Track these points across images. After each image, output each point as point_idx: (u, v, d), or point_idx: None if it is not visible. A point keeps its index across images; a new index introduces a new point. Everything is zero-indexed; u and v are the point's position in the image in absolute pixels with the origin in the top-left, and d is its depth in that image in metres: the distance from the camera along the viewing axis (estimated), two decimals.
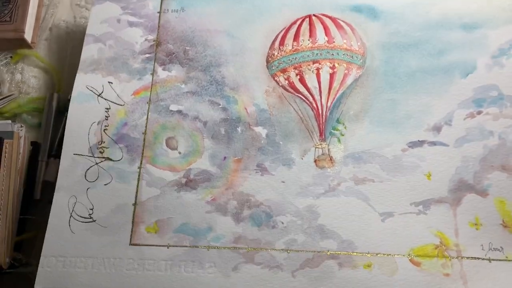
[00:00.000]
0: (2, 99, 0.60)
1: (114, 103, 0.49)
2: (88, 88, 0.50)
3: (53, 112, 0.57)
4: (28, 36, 0.61)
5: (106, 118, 0.49)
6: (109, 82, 0.50)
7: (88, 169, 0.47)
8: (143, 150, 0.47)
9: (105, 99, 0.50)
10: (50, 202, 0.51)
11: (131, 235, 0.44)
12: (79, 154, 0.47)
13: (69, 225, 0.44)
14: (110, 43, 0.52)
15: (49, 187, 0.53)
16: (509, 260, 0.42)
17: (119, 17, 0.53)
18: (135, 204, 0.45)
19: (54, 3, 0.66)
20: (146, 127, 0.48)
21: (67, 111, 0.53)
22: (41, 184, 0.54)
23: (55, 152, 0.54)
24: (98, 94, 0.50)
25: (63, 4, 0.67)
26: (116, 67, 0.51)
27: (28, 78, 0.62)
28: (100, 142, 0.48)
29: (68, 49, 0.62)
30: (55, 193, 0.46)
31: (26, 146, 0.55)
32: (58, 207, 0.45)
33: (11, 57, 0.63)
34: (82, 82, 0.50)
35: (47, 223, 0.47)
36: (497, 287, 0.41)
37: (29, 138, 0.56)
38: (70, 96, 0.54)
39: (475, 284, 0.41)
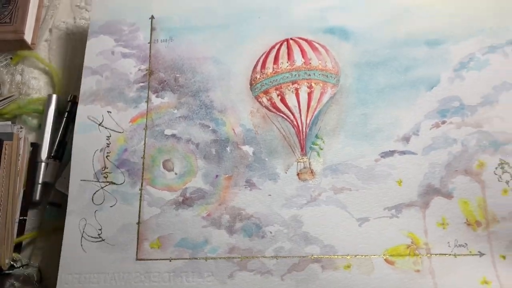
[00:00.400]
0: (2, 100, 0.60)
1: (114, 131, 0.54)
2: (89, 119, 0.54)
3: (53, 114, 0.59)
4: (28, 37, 0.62)
5: (108, 145, 0.53)
6: (108, 111, 0.55)
7: (94, 193, 0.52)
8: (142, 173, 0.52)
9: (106, 128, 0.54)
10: (50, 203, 0.55)
11: (137, 251, 0.49)
12: (85, 180, 0.52)
13: (81, 245, 0.50)
14: (106, 74, 0.56)
15: (49, 189, 0.57)
16: (472, 255, 0.47)
17: (113, 49, 0.57)
18: (138, 223, 0.50)
19: (54, 4, 0.67)
20: (144, 151, 0.53)
21: (68, 112, 0.58)
22: (40, 185, 0.56)
23: (55, 153, 0.57)
24: (98, 123, 0.54)
25: (63, 5, 0.67)
26: (113, 97, 0.55)
27: (28, 79, 0.62)
28: (103, 168, 0.52)
29: (68, 50, 0.64)
30: (66, 216, 0.51)
31: (26, 147, 0.57)
32: (70, 229, 0.50)
33: (11, 58, 0.63)
34: (84, 113, 0.55)
35: (46, 224, 0.53)
36: (462, 279, 0.46)
37: (29, 139, 0.58)
38: (70, 97, 0.58)
39: (442, 277, 0.46)
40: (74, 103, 0.59)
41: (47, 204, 0.56)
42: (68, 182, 0.53)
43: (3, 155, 0.54)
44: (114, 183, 0.52)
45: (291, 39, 0.55)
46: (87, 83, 0.56)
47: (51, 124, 0.59)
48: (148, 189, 0.52)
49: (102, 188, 0.52)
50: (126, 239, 0.50)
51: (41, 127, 0.59)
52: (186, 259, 0.49)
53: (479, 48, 0.52)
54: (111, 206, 0.51)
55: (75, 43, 0.64)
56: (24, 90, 0.62)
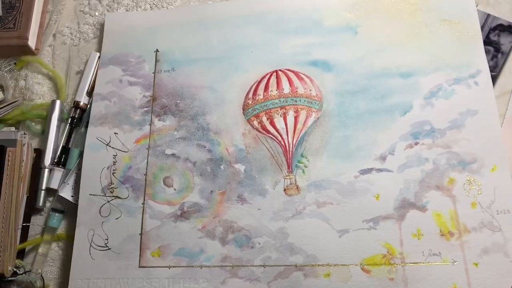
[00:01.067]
0: (6, 105, 0.61)
1: (120, 150, 0.59)
2: (98, 139, 0.60)
3: (56, 119, 0.61)
4: (31, 42, 0.63)
5: (114, 163, 0.59)
6: (115, 133, 0.60)
7: (101, 206, 0.57)
8: (145, 188, 0.57)
9: (112, 147, 0.60)
10: (53, 209, 0.58)
11: (139, 259, 0.54)
12: (93, 194, 0.57)
13: (90, 253, 0.55)
14: (114, 100, 0.62)
15: (52, 195, 0.59)
16: (445, 263, 0.51)
17: (121, 78, 0.63)
18: (141, 234, 0.55)
19: (58, 9, 0.67)
20: (146, 169, 0.58)
21: (71, 118, 0.61)
22: (44, 191, 0.59)
23: (58, 159, 0.60)
24: (106, 143, 0.60)
25: (67, 10, 0.68)
26: (120, 120, 0.61)
27: (32, 85, 0.63)
28: (110, 184, 0.58)
29: (72, 56, 0.65)
30: (76, 228, 0.56)
31: (29, 153, 0.59)
32: (79, 238, 0.56)
33: (15, 63, 0.64)
34: (93, 134, 0.60)
35: (50, 230, 0.57)
36: (433, 286, 0.50)
37: (32, 145, 0.60)
38: (74, 103, 0.61)
39: (414, 285, 0.50)
40: (77, 108, 0.62)
41: (51, 210, 0.59)
42: (72, 188, 0.58)
43: (7, 161, 0.55)
44: (119, 198, 0.57)
45: (279, 70, 0.61)
46: (97, 108, 0.62)
47: (54, 130, 0.61)
48: (150, 203, 0.57)
49: (108, 202, 0.57)
50: (130, 248, 0.55)
51: (44, 133, 0.61)
52: (184, 266, 0.54)
53: (446, 79, 0.57)
54: (116, 218, 0.56)
55: (79, 48, 0.66)
56: (27, 95, 0.63)
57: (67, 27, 0.68)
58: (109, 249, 0.55)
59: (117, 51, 0.65)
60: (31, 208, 0.59)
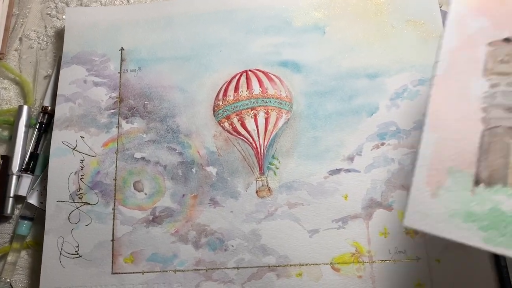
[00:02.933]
0: None
1: (87, 154, 0.59)
2: (63, 143, 0.59)
3: (24, 125, 0.60)
4: None
5: (82, 168, 0.58)
6: (81, 136, 0.59)
7: (70, 213, 0.56)
8: (115, 194, 0.57)
9: (79, 152, 0.59)
10: (22, 217, 0.57)
11: (112, 266, 0.54)
12: (62, 201, 0.57)
13: (60, 261, 0.54)
14: (79, 102, 0.61)
15: (21, 202, 0.59)
16: (410, 260, 0.54)
17: (85, 78, 0.62)
18: (112, 240, 0.55)
19: (24, 13, 0.66)
20: (116, 174, 0.58)
21: (39, 123, 0.60)
22: (12, 198, 0.58)
23: (26, 166, 0.59)
24: (72, 148, 0.59)
25: (33, 13, 0.67)
26: (86, 123, 0.60)
27: None
28: (78, 190, 0.57)
29: (39, 60, 0.64)
30: (45, 236, 0.55)
31: None
32: (48, 246, 0.55)
33: None
34: (58, 138, 0.59)
35: (19, 238, 0.56)
36: (399, 283, 0.53)
37: None
38: (42, 108, 0.60)
39: (381, 282, 0.54)
40: (46, 113, 0.61)
41: (19, 218, 0.58)
42: (40, 195, 0.58)
43: None
44: (88, 204, 0.57)
45: (249, 70, 0.61)
46: (61, 110, 0.60)
47: (22, 136, 0.60)
48: (120, 209, 0.57)
49: (77, 208, 0.57)
50: (101, 255, 0.55)
51: (12, 139, 0.61)
52: (157, 272, 0.54)
53: (411, 80, 0.59)
54: (86, 225, 0.56)
55: (46, 52, 0.65)
56: None
57: (34, 31, 0.67)
58: (80, 256, 0.55)
59: (80, 49, 0.63)
60: None
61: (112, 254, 0.55)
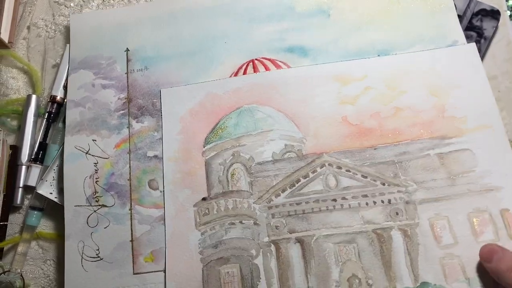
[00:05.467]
0: None
1: (100, 157, 0.60)
2: (76, 148, 0.60)
3: (33, 115, 0.61)
4: (4, 36, 0.62)
5: (96, 171, 0.59)
6: (93, 140, 0.60)
7: (88, 216, 0.57)
8: (130, 194, 0.58)
9: (92, 155, 0.60)
10: (32, 207, 0.58)
11: (133, 266, 0.55)
12: (79, 205, 0.58)
13: (82, 265, 0.55)
14: (89, 106, 0.62)
15: (30, 192, 0.60)
16: None
17: (93, 82, 0.63)
18: (132, 241, 0.56)
19: (31, 1, 0.67)
20: (130, 174, 0.59)
21: (48, 112, 0.61)
22: (21, 189, 0.59)
23: (36, 156, 0.60)
24: (85, 152, 0.60)
25: (41, 1, 0.67)
26: (97, 126, 0.61)
27: (6, 80, 0.63)
28: (94, 193, 0.58)
29: (47, 48, 0.65)
30: (65, 241, 0.56)
31: (5, 150, 0.59)
32: (70, 252, 0.56)
33: None
34: (71, 143, 0.60)
35: (29, 228, 0.57)
36: None
37: (8, 141, 0.60)
38: (50, 98, 0.61)
39: None
40: (54, 103, 0.62)
41: (29, 208, 0.59)
42: (50, 185, 0.59)
43: None
44: (105, 206, 0.58)
45: (256, 59, 0.62)
46: (72, 115, 0.62)
47: (31, 126, 0.61)
48: (137, 209, 0.57)
49: (95, 211, 0.58)
50: (122, 256, 0.56)
51: (20, 129, 0.61)
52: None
53: None
54: (105, 228, 0.57)
55: (54, 40, 0.65)
56: (2, 90, 0.63)
57: (42, 19, 0.67)
58: (101, 259, 0.56)
59: (86, 54, 0.65)
60: (9, 207, 0.59)
61: (132, 255, 0.56)
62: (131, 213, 0.57)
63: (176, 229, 0.56)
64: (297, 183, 0.54)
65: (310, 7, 0.63)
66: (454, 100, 0.56)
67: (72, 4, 0.69)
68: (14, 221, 0.60)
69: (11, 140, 0.62)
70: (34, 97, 0.63)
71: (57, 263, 0.59)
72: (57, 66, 0.65)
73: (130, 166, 0.59)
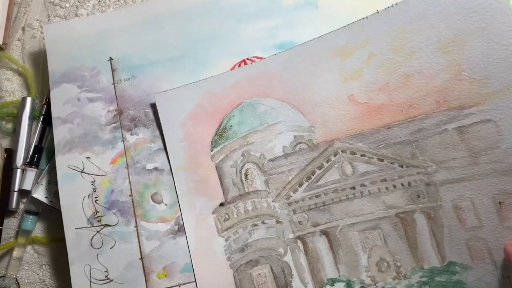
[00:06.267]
0: None
1: (97, 175, 0.65)
2: (70, 168, 0.65)
3: (28, 117, 0.66)
4: None
5: (94, 190, 0.64)
6: (87, 157, 0.65)
7: (92, 238, 0.62)
8: (134, 210, 0.63)
9: (88, 174, 0.65)
10: (27, 211, 0.64)
11: (146, 284, 0.61)
12: (80, 228, 0.63)
13: None
14: (77, 121, 0.66)
15: (26, 196, 0.65)
16: None
17: (78, 96, 0.68)
18: (141, 258, 0.61)
19: (26, 1, 0.72)
20: (130, 189, 0.64)
21: (43, 115, 0.66)
22: (16, 193, 0.64)
23: (31, 159, 0.65)
24: (80, 171, 0.65)
25: (36, 2, 0.73)
26: (89, 142, 0.66)
27: (1, 82, 0.68)
28: (95, 213, 0.63)
29: (42, 50, 0.69)
30: (70, 266, 0.61)
31: (0, 153, 0.64)
32: (77, 277, 0.61)
33: None
34: (63, 163, 0.65)
35: (24, 233, 0.63)
36: None
37: (2, 145, 0.65)
38: (46, 99, 0.66)
39: None
40: (49, 105, 0.67)
41: (24, 213, 0.64)
42: (45, 189, 0.65)
43: None
44: (109, 225, 0.63)
45: (247, 59, 0.67)
46: (60, 133, 0.66)
47: (26, 129, 0.66)
48: (143, 225, 0.63)
49: (98, 232, 0.63)
50: (133, 275, 0.61)
51: (15, 132, 0.66)
52: (194, 281, 0.61)
53: None
54: (111, 248, 0.62)
55: None
56: None
57: (37, 20, 0.73)
58: (111, 280, 0.61)
59: (67, 65, 0.69)
60: (4, 211, 0.65)
61: (144, 273, 0.61)
62: (137, 230, 0.63)
63: (199, 240, 0.62)
64: (313, 175, 0.60)
65: (297, 0, 0.69)
66: (471, 55, 0.56)
67: (67, 5, 0.74)
68: (9, 225, 0.66)
69: (6, 143, 0.67)
70: (29, 99, 0.68)
71: (53, 268, 0.64)
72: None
73: (130, 181, 0.64)
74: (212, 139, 0.65)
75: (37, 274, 0.64)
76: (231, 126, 0.65)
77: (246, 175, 0.63)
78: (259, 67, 0.65)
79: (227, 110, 0.65)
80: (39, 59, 0.71)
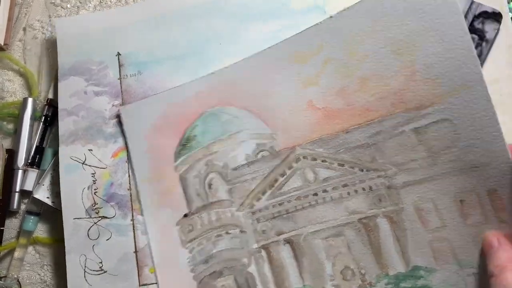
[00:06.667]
0: None
1: (98, 167, 0.70)
2: (72, 159, 0.70)
3: (29, 118, 0.70)
4: (0, 38, 0.72)
5: (94, 182, 0.69)
6: (89, 149, 0.70)
7: (89, 229, 0.68)
8: (131, 204, 0.68)
9: (89, 166, 0.70)
10: (28, 212, 0.68)
11: (139, 278, 0.66)
12: (78, 218, 0.68)
13: (86, 279, 0.66)
14: (82, 114, 0.72)
15: (27, 197, 0.69)
16: None
17: (85, 89, 0.73)
18: (136, 252, 0.66)
19: (27, 2, 0.76)
20: (130, 183, 0.69)
21: (44, 116, 0.70)
22: (18, 193, 0.68)
23: (32, 160, 0.69)
24: (82, 162, 0.70)
25: (37, 2, 0.76)
26: (92, 135, 0.71)
27: (2, 82, 0.72)
28: (93, 204, 0.68)
29: (44, 50, 0.74)
30: (66, 255, 0.67)
31: (1, 154, 0.67)
32: (72, 266, 0.67)
33: None
34: (66, 154, 0.70)
35: (25, 234, 0.68)
36: None
37: (4, 145, 0.69)
38: (47, 101, 0.71)
39: None
40: (51, 106, 0.72)
41: (25, 213, 0.69)
42: (47, 189, 0.70)
43: None
44: (106, 217, 0.68)
45: None
46: (65, 125, 0.71)
47: (27, 129, 0.70)
48: (139, 219, 0.68)
49: (95, 223, 0.68)
50: (127, 268, 0.66)
51: (17, 132, 0.70)
52: None
53: None
54: (107, 240, 0.68)
55: (51, 42, 0.74)
56: None
57: (38, 21, 0.78)
58: (105, 272, 0.67)
59: (76, 59, 0.74)
60: (5, 211, 0.69)
61: (137, 266, 0.66)
62: (133, 224, 0.68)
63: (163, 252, 0.66)
64: (276, 182, 0.63)
65: (305, 3, 0.71)
66: (423, 56, 0.58)
67: (68, 6, 0.79)
68: (11, 226, 0.70)
69: (7, 143, 0.72)
70: (30, 100, 0.72)
71: (55, 268, 0.70)
72: (53, 68, 0.75)
73: (129, 175, 0.70)
74: (176, 150, 0.69)
75: (39, 275, 0.70)
76: (195, 136, 0.68)
77: (210, 185, 0.67)
78: (220, 76, 0.69)
79: (190, 121, 0.69)
80: (41, 60, 0.76)
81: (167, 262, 0.66)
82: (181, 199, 0.67)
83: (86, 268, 0.68)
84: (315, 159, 0.62)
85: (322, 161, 0.62)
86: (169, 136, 0.69)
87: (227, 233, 0.65)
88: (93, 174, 0.71)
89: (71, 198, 0.70)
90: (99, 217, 0.69)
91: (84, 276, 0.67)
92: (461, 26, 0.56)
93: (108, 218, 0.69)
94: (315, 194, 0.62)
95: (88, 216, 0.69)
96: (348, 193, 0.61)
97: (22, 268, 0.70)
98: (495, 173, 0.55)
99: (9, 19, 0.75)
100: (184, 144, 0.69)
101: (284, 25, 0.71)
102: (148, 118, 0.70)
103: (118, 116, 0.72)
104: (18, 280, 0.68)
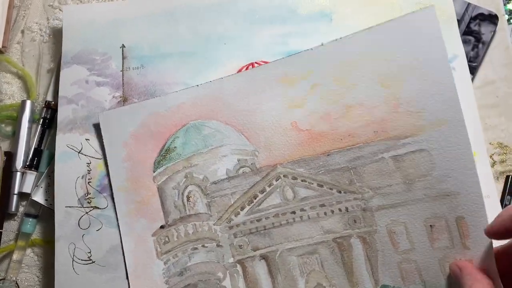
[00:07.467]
0: None
1: (93, 157, 0.73)
2: (68, 147, 0.73)
3: (27, 120, 0.72)
4: None
5: (89, 172, 0.72)
6: (86, 139, 0.73)
7: (80, 218, 0.71)
8: None
9: (85, 155, 0.73)
10: (27, 214, 0.70)
11: (126, 270, 0.69)
12: (70, 206, 0.71)
13: (73, 268, 0.69)
14: (82, 103, 0.74)
15: (25, 199, 0.71)
16: None
17: (87, 78, 0.76)
18: None
19: (25, 4, 0.77)
20: None
21: (43, 118, 0.72)
22: (16, 196, 0.70)
23: (30, 162, 0.71)
24: (78, 151, 0.73)
25: (35, 5, 0.78)
26: (90, 125, 0.74)
27: (0, 85, 0.74)
28: (86, 194, 0.71)
29: (42, 53, 0.76)
30: (56, 242, 0.69)
31: (0, 156, 0.69)
32: (60, 254, 0.70)
33: None
34: (63, 141, 0.73)
35: (24, 236, 0.70)
36: None
37: (2, 148, 0.71)
38: (45, 103, 0.73)
39: None
40: (49, 108, 0.74)
41: (24, 215, 0.71)
42: (45, 192, 0.73)
43: None
44: (98, 208, 0.71)
45: (255, 62, 0.73)
46: (64, 112, 0.74)
47: (25, 132, 0.72)
48: None
49: (87, 213, 0.71)
50: (115, 259, 0.69)
51: (15, 135, 0.72)
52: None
53: None
54: (97, 230, 0.71)
55: (49, 44, 0.77)
56: None
57: (36, 23, 0.80)
58: (93, 262, 0.70)
59: (80, 48, 0.77)
60: (3, 214, 0.71)
61: (124, 259, 0.69)
62: None
63: (137, 262, 0.68)
64: (255, 199, 0.66)
65: (312, 10, 0.74)
66: (408, 90, 0.64)
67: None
68: (9, 228, 0.72)
69: (5, 146, 0.74)
70: (28, 102, 0.74)
71: (53, 271, 0.71)
72: (51, 71, 0.78)
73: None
74: (155, 160, 0.71)
75: (37, 277, 0.72)
76: (175, 147, 0.71)
77: (188, 198, 0.69)
78: (205, 90, 0.71)
79: (171, 131, 0.72)
80: (39, 62, 0.78)
81: (141, 272, 0.68)
82: (158, 210, 0.69)
83: (74, 257, 0.71)
84: (295, 178, 0.65)
85: (302, 180, 0.65)
86: (149, 145, 0.72)
87: (203, 246, 0.68)
88: (88, 163, 0.73)
89: (65, 186, 0.73)
90: (91, 207, 0.72)
91: (72, 265, 0.70)
92: (446, 65, 0.63)
93: (100, 208, 0.72)
94: (293, 212, 0.65)
95: (80, 205, 0.72)
96: (325, 213, 0.64)
97: (21, 270, 0.72)
98: (464, 201, 0.61)
99: (7, 21, 0.77)
100: (164, 155, 0.71)
101: (290, 30, 0.75)
102: (128, 125, 0.72)
103: None
104: (16, 283, 0.71)
